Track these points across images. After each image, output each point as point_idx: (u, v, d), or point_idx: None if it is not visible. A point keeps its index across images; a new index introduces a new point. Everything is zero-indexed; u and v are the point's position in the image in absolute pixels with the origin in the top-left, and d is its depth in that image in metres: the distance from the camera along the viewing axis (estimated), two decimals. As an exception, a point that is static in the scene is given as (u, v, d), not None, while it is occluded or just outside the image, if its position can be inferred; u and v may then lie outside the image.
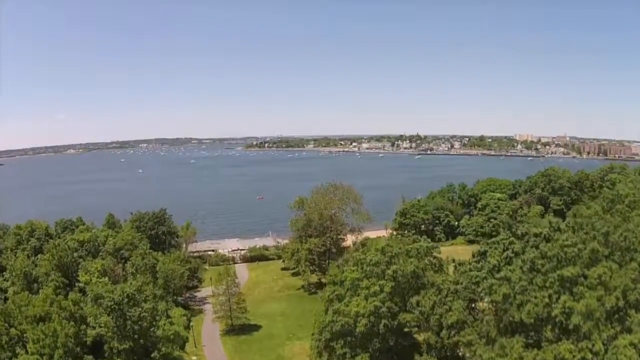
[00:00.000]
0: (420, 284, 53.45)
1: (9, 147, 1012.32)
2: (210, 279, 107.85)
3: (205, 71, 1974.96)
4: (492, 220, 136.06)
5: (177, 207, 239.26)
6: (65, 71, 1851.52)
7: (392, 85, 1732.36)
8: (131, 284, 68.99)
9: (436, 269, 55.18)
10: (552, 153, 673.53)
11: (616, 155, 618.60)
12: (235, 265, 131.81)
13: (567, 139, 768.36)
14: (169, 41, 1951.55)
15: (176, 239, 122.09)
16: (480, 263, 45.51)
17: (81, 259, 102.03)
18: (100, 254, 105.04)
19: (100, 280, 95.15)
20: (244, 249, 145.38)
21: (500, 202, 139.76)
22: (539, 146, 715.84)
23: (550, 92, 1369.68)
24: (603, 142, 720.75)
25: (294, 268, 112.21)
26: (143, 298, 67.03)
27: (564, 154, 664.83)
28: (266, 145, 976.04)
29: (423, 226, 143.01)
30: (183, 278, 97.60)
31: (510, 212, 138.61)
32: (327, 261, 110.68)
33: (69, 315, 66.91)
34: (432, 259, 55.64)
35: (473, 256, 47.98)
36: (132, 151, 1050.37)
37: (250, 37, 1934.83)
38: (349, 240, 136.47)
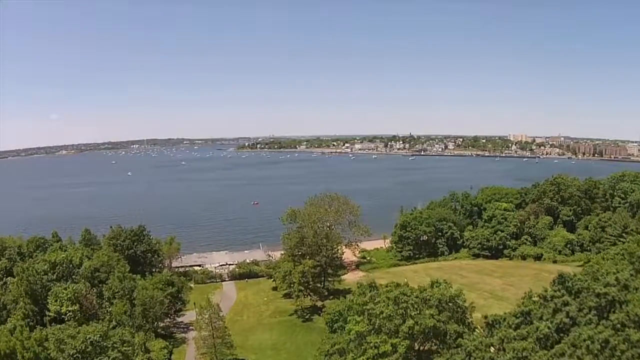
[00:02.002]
0: (438, 335, 44.23)
1: (1, 149, 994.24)
2: (194, 303, 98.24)
3: (198, 71, 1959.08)
4: (499, 232, 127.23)
5: (164, 215, 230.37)
6: (60, 71, 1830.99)
7: (386, 85, 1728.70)
8: (96, 328, 59.06)
9: (458, 317, 45.90)
10: (547, 154, 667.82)
11: (612, 156, 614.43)
12: (223, 283, 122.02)
13: (562, 139, 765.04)
14: (162, 40, 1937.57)
15: (157, 257, 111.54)
16: (524, 327, 36.00)
17: (52, 283, 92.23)
18: (74, 276, 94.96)
19: (71, 309, 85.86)
20: (232, 264, 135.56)
21: (507, 212, 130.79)
22: (533, 147, 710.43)
23: (544, 92, 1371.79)
24: (597, 142, 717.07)
25: (286, 289, 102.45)
26: (110, 345, 57.26)
27: (559, 154, 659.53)
28: (258, 146, 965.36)
29: (425, 237, 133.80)
30: (163, 305, 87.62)
31: (518, 224, 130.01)
32: (323, 283, 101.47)
33: (34, 356, 57.89)
34: (453, 305, 46.23)
35: (515, 316, 38.37)
36: (123, 152, 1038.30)
37: (244, 37, 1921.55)
38: (346, 253, 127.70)
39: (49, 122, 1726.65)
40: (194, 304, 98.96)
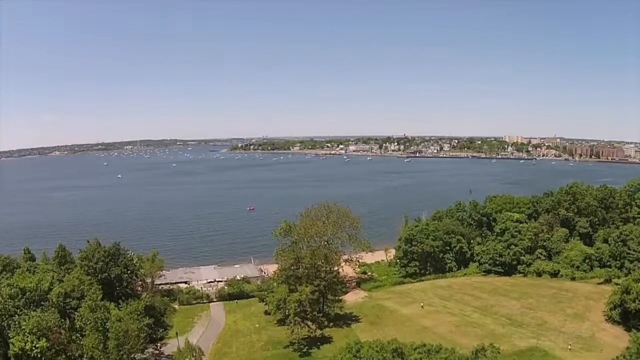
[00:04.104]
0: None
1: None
2: (177, 333, 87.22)
3: (193, 71, 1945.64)
4: (513, 247, 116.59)
5: (149, 223, 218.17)
6: (54, 72, 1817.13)
7: (380, 84, 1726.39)
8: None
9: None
10: (543, 155, 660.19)
11: (609, 157, 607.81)
12: (211, 304, 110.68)
13: (557, 140, 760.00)
14: (156, 42, 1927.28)
15: (135, 278, 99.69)
16: None
17: (17, 310, 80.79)
18: (43, 303, 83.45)
19: (38, 345, 74.55)
20: (222, 280, 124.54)
21: (520, 225, 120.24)
22: (530, 148, 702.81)
23: (540, 92, 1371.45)
24: (592, 143, 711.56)
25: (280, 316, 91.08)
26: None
27: (555, 156, 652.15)
28: (251, 147, 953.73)
29: (431, 251, 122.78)
30: (139, 339, 76.35)
31: (532, 237, 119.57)
32: (322, 308, 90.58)
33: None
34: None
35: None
36: (116, 153, 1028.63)
37: (238, 38, 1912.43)
38: (345, 269, 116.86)
39: (43, 123, 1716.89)
40: (177, 333, 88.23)
